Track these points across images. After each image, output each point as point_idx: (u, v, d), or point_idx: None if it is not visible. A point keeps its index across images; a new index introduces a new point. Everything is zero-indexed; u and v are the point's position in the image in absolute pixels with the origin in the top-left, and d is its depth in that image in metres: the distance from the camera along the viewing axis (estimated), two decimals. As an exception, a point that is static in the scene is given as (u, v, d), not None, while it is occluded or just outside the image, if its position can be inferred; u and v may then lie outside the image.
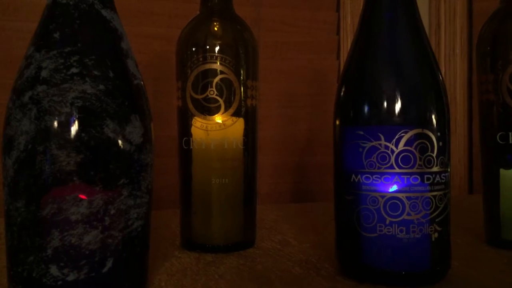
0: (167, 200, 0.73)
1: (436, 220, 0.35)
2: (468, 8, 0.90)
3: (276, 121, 0.88)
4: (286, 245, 0.48)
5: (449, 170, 0.37)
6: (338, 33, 0.91)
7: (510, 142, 0.45)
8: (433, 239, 0.35)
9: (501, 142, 0.45)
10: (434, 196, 0.35)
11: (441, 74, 0.37)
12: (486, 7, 0.48)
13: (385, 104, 0.35)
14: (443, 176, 0.36)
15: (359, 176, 0.36)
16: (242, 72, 0.46)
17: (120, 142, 0.30)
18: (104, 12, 0.32)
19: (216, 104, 0.45)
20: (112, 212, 0.30)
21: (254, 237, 0.49)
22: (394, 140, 0.35)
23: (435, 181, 0.35)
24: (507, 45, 0.45)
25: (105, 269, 0.29)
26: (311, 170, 0.88)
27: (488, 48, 0.47)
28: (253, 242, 0.48)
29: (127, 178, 0.30)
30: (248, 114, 0.47)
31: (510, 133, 0.45)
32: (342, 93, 0.38)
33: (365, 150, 0.35)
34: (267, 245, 0.48)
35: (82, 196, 0.29)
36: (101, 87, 0.30)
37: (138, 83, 0.33)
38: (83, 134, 0.29)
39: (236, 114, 0.46)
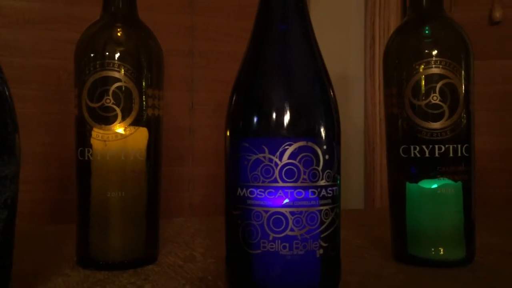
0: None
1: (322, 235, 0.34)
2: (401, 23, 0.92)
3: (210, 131, 0.87)
4: (190, 261, 0.46)
5: (338, 183, 0.36)
6: (274, 44, 0.91)
7: (412, 155, 0.44)
8: (318, 255, 0.34)
9: (403, 156, 0.45)
10: (320, 211, 0.34)
11: (332, 89, 0.36)
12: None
13: (269, 116, 0.34)
14: (329, 190, 0.35)
15: (244, 190, 0.34)
16: (143, 80, 0.44)
17: (-34, 152, 0.27)
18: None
19: (113, 113, 0.43)
20: (-44, 229, 0.27)
21: (157, 252, 0.47)
22: (278, 152, 0.33)
23: (321, 196, 0.34)
24: (411, 58, 0.45)
25: None
26: (244, 181, 0.87)
27: (397, 61, 0.47)
28: (155, 258, 0.46)
29: (-24, 192, 0.28)
30: (150, 124, 0.45)
31: (412, 147, 0.44)
32: (231, 104, 0.37)
33: (250, 163, 0.34)
34: (170, 261, 0.46)
35: None
36: None
37: (-2, 89, 0.30)
38: None
39: (135, 124, 0.44)
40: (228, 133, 0.37)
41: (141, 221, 0.45)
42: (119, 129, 0.43)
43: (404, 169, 0.46)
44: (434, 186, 0.44)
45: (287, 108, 0.34)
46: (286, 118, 0.34)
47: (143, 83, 0.44)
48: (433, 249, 0.44)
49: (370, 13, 0.92)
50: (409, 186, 0.45)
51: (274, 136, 0.34)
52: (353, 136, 0.97)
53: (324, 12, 0.95)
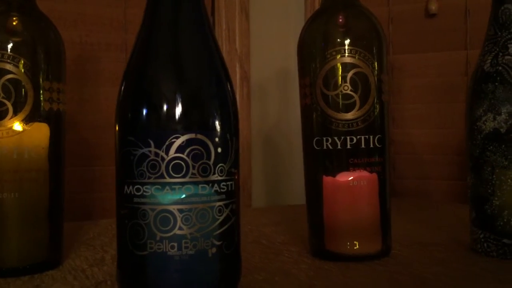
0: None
1: (214, 233, 0.32)
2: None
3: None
4: (97, 264, 0.44)
5: (234, 178, 0.34)
6: (213, 37, 0.88)
7: (325, 148, 0.43)
8: (210, 255, 0.32)
9: (317, 148, 0.44)
10: (212, 208, 0.32)
11: (229, 80, 0.35)
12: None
13: (154, 107, 0.32)
14: (223, 185, 0.33)
15: (130, 187, 0.32)
16: (39, 73, 0.41)
17: None
18: None
19: (4, 108, 0.40)
20: None
21: (59, 257, 0.44)
22: (165, 146, 0.31)
23: (213, 191, 0.32)
24: (322, 47, 0.44)
25: None
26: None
27: (309, 50, 0.45)
28: (58, 263, 0.43)
29: None
30: (50, 120, 0.42)
31: (324, 139, 0.43)
32: (118, 96, 0.34)
33: (136, 158, 0.32)
34: (75, 265, 0.43)
35: None
36: None
37: None
38: None
39: (30, 119, 0.41)
40: (116, 127, 0.34)
41: (41, 223, 0.42)
42: (12, 124, 0.40)
43: (318, 162, 0.44)
44: (349, 178, 0.43)
45: (173, 99, 0.32)
46: (172, 109, 0.31)
47: (40, 76, 0.41)
48: (348, 243, 0.43)
49: (310, 7, 0.91)
50: (325, 179, 0.44)
51: (160, 129, 0.32)
52: (296, 130, 0.96)
53: (265, 7, 0.93)
